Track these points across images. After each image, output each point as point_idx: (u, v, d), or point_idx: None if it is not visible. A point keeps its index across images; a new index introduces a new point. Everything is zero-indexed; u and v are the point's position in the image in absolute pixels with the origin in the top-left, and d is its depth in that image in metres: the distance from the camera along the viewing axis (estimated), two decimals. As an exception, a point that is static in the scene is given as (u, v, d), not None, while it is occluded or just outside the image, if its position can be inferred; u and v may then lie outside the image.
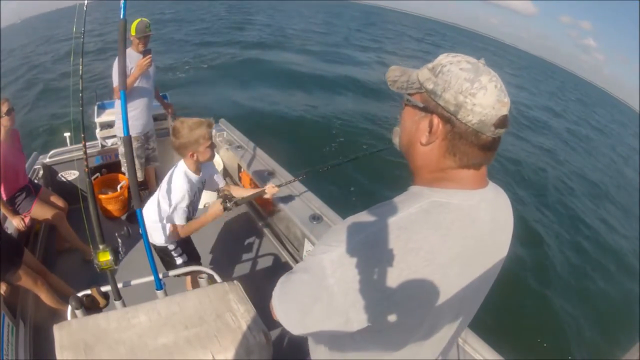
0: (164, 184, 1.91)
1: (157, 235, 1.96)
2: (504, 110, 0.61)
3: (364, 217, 0.65)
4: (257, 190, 2.17)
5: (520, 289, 4.72)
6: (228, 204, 1.88)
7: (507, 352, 1.55)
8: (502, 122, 0.62)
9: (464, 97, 0.60)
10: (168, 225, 1.93)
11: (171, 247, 2.03)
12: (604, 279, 5.65)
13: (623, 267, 6.23)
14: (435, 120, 0.64)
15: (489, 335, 1.58)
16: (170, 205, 1.86)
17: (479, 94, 0.60)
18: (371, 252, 0.61)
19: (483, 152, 0.64)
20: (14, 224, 2.43)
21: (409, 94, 0.69)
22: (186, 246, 2.12)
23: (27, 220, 2.48)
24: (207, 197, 3.47)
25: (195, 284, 2.15)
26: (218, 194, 2.10)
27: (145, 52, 2.85)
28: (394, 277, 0.60)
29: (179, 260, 2.07)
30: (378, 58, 18.59)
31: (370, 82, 12.92)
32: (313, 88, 11.40)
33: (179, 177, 1.85)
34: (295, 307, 0.71)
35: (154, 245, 2.00)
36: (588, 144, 15.04)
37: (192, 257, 2.15)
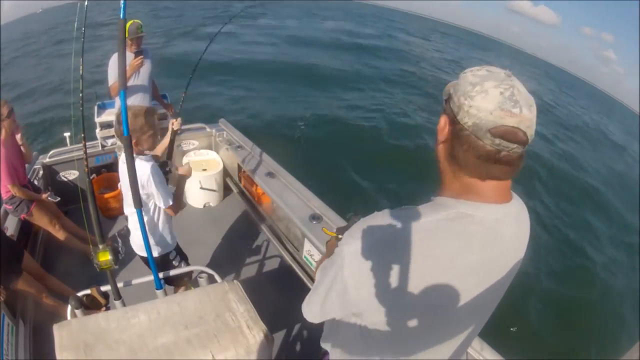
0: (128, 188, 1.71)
1: (152, 245, 1.81)
2: (510, 122, 0.58)
3: (389, 215, 0.67)
4: (168, 134, 2.21)
5: (520, 288, 4.71)
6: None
7: (507, 352, 1.54)
8: (504, 133, 0.58)
9: (464, 99, 0.62)
10: (163, 226, 1.89)
11: (172, 255, 2.00)
12: (603, 277, 5.65)
13: (622, 265, 6.23)
14: (443, 119, 0.67)
15: (489, 335, 1.57)
16: (150, 198, 1.78)
17: (477, 97, 0.60)
18: (390, 251, 0.62)
19: (485, 163, 0.62)
20: (42, 197, 2.61)
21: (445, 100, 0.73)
22: (180, 250, 2.09)
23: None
24: (207, 197, 3.47)
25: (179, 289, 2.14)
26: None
27: (137, 54, 2.91)
28: (411, 280, 0.62)
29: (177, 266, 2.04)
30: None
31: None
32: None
33: (140, 166, 1.68)
34: (318, 294, 0.75)
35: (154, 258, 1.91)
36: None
37: (186, 260, 2.12)
